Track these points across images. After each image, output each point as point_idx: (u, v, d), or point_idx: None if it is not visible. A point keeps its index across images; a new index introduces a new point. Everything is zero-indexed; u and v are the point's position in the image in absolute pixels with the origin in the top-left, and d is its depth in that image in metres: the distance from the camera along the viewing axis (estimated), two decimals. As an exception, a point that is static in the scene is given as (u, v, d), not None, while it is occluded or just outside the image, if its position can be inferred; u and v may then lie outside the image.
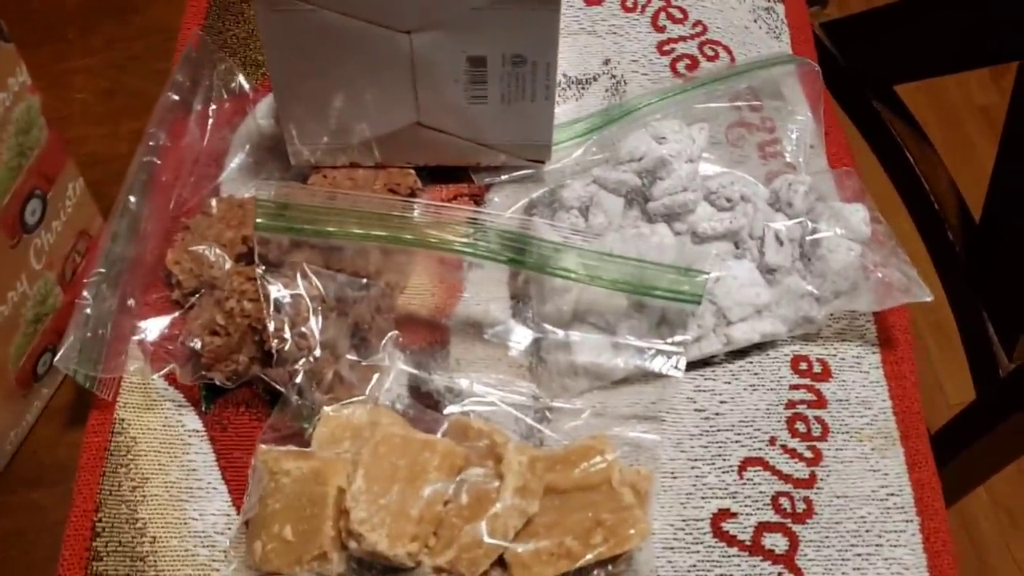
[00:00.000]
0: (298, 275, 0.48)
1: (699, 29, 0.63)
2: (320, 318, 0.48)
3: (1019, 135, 0.77)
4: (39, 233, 0.44)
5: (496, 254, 0.48)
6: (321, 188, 0.52)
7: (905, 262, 0.51)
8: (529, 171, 0.56)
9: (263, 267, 0.47)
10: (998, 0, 0.77)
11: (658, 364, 0.48)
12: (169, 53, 0.61)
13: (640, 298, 0.48)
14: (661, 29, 0.62)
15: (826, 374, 0.51)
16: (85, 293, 0.47)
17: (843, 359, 0.52)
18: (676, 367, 0.48)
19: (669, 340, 0.48)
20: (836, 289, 0.51)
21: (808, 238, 0.51)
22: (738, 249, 0.52)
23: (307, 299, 0.48)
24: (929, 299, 0.49)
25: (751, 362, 0.51)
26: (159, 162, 0.52)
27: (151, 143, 0.52)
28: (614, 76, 0.61)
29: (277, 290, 0.47)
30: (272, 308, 0.47)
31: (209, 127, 0.56)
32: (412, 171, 0.55)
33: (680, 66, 0.61)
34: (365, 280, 0.49)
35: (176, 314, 0.50)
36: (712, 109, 0.57)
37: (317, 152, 0.54)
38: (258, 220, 0.47)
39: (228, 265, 0.51)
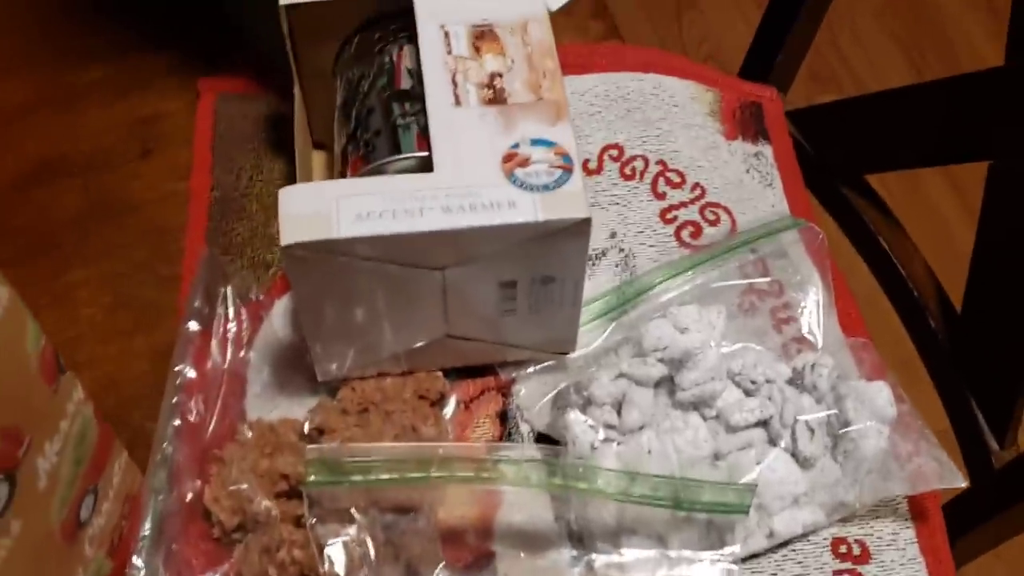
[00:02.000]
0: (346, 521, 0.48)
1: (698, 192, 0.63)
2: (374, 560, 0.48)
3: (993, 231, 0.80)
4: (91, 522, 0.43)
5: (529, 482, 0.48)
6: (359, 443, 0.52)
7: (936, 446, 0.52)
8: (553, 362, 0.56)
9: (313, 519, 0.47)
10: (967, 100, 0.79)
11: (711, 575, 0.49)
12: (174, 256, 0.60)
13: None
14: (661, 196, 0.63)
15: (865, 556, 0.52)
16: (136, 561, 0.47)
17: (880, 537, 0.53)
18: None
19: (719, 552, 0.49)
20: (869, 473, 0.52)
21: (840, 431, 0.52)
22: (769, 436, 0.53)
23: (357, 544, 0.48)
24: (963, 485, 0.51)
25: (793, 550, 0.52)
26: (187, 400, 0.52)
27: (177, 381, 0.52)
28: (622, 249, 0.61)
29: (329, 540, 0.47)
30: (327, 562, 0.47)
31: (229, 347, 0.55)
32: (440, 374, 0.56)
33: (684, 234, 0.62)
34: (412, 513, 0.49)
35: (225, 566, 0.50)
36: (725, 287, 0.57)
37: (344, 366, 0.54)
38: (310, 479, 0.47)
39: (266, 502, 0.50)
